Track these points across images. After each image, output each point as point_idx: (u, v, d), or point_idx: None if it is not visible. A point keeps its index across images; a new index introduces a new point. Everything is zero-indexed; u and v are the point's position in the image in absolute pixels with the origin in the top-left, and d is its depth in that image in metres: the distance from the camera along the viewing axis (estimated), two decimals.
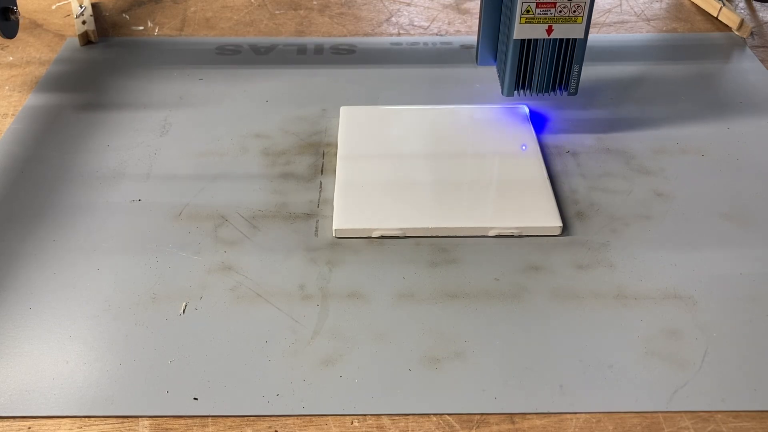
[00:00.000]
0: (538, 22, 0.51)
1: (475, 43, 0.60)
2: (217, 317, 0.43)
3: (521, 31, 0.51)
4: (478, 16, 0.58)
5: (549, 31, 0.51)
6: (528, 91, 0.55)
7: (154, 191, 0.52)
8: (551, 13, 0.51)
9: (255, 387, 0.39)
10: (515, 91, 0.55)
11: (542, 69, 0.54)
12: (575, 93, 0.55)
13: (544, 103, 0.61)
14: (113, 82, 0.64)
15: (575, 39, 0.52)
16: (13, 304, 0.43)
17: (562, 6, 0.50)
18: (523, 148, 0.54)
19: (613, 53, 0.69)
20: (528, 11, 0.50)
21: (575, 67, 0.54)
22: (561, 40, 0.52)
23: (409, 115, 0.59)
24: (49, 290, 0.44)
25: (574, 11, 0.50)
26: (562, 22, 0.51)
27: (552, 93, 0.55)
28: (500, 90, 0.56)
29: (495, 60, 0.58)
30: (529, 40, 0.52)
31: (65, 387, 0.39)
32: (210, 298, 0.44)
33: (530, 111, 0.59)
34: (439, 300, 0.44)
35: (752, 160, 0.55)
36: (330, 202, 0.51)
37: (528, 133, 0.56)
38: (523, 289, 0.45)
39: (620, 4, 0.79)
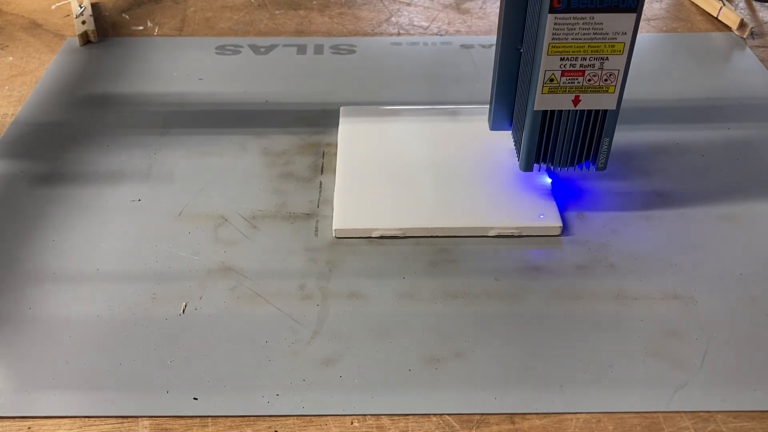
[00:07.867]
0: (563, 92, 0.44)
1: (489, 104, 0.53)
2: (216, 317, 0.43)
3: (543, 101, 0.44)
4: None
5: (575, 101, 0.44)
6: (550, 165, 0.48)
7: (154, 191, 0.52)
8: (579, 82, 0.43)
9: (255, 387, 0.39)
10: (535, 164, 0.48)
11: (566, 143, 0.46)
12: (604, 168, 0.48)
13: None
14: (113, 82, 0.64)
15: (606, 110, 0.45)
16: (12, 304, 0.43)
17: (591, 74, 0.43)
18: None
19: None
20: (552, 80, 0.43)
21: (605, 141, 0.46)
22: (589, 111, 0.45)
23: (409, 115, 0.58)
24: (49, 290, 0.44)
25: (606, 80, 0.43)
26: (592, 91, 0.44)
27: (577, 168, 0.48)
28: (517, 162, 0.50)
29: (511, 125, 0.52)
30: (552, 111, 0.45)
31: (65, 387, 0.39)
32: (210, 298, 0.44)
33: None
34: (439, 300, 0.44)
35: (752, 160, 0.55)
36: (330, 202, 0.51)
37: None
38: (523, 289, 0.45)
39: None
